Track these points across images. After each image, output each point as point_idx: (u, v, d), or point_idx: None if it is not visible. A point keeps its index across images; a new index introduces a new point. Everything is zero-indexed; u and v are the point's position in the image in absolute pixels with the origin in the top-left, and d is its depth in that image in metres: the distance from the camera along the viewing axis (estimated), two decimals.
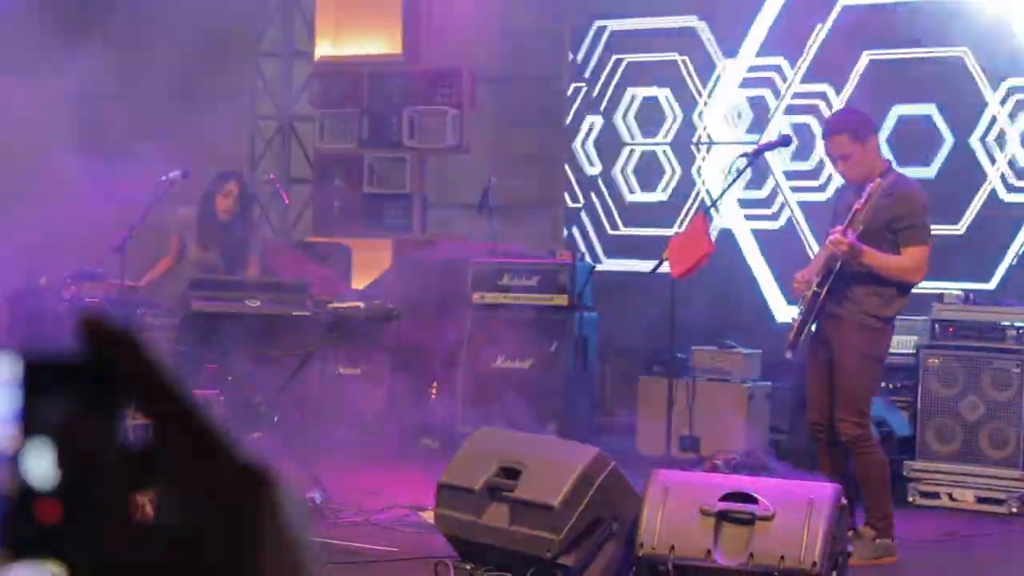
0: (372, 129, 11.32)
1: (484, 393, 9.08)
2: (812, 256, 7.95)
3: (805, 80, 10.01)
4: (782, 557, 5.08)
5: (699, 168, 10.52)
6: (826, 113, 9.42)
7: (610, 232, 10.85)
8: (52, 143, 8.38)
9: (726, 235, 10.23)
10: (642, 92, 10.71)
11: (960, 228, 9.37)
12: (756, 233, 10.22)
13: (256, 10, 11.87)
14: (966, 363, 7.79)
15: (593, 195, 10.91)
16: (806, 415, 6.69)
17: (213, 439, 0.73)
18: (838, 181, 7.24)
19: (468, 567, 5.64)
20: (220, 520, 0.71)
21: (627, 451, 8.46)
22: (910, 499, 7.77)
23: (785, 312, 9.62)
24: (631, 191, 10.79)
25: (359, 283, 10.48)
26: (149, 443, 0.71)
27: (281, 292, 8.58)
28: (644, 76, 10.70)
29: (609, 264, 10.64)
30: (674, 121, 10.61)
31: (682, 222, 10.12)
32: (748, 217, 10.26)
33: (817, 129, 9.45)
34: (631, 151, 10.79)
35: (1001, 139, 9.32)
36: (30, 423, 0.68)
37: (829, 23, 9.87)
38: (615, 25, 10.76)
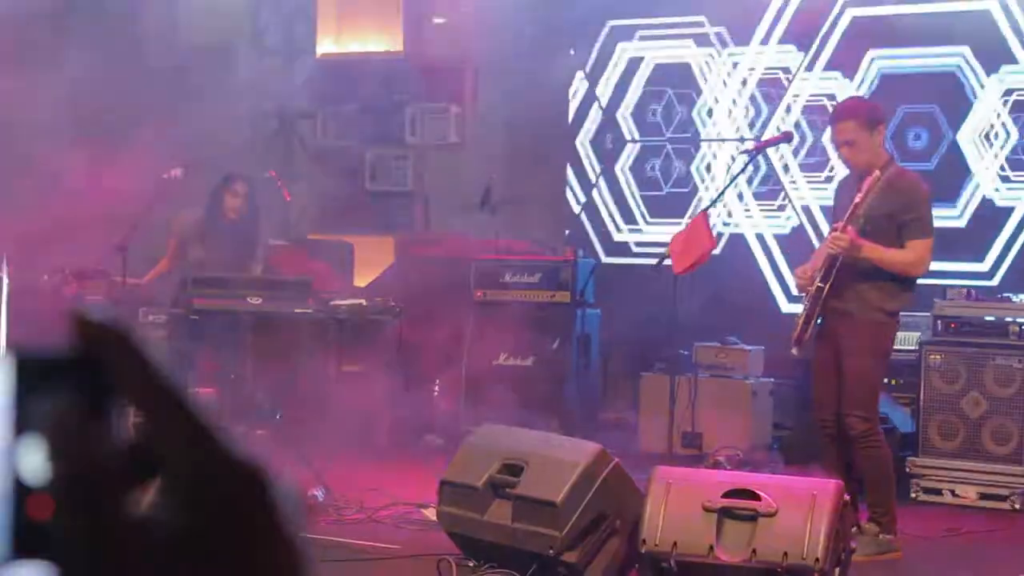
0: (374, 126, 11.32)
1: (486, 390, 9.08)
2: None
3: (811, 78, 10.00)
4: (785, 554, 5.08)
5: (702, 165, 10.51)
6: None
7: (612, 229, 10.84)
8: (49, 137, 8.37)
9: (730, 231, 10.22)
10: (646, 89, 10.70)
11: (958, 215, 9.37)
12: (760, 228, 10.21)
13: (258, 6, 11.86)
14: (968, 359, 7.78)
15: (595, 192, 10.90)
16: (812, 411, 6.68)
17: (207, 436, 0.72)
18: (841, 175, 7.22)
19: (471, 564, 5.64)
20: (214, 518, 0.71)
21: (629, 448, 8.46)
22: (913, 495, 7.76)
23: (789, 307, 9.61)
24: (634, 188, 10.78)
25: (361, 280, 10.48)
26: (142, 440, 0.70)
27: (283, 290, 8.57)
28: (648, 72, 10.69)
29: (611, 261, 10.63)
30: (678, 118, 10.60)
31: (684, 219, 10.11)
32: (753, 212, 10.25)
33: (822, 126, 9.46)
34: (634, 148, 10.78)
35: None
36: (22, 419, 0.68)
37: (837, 22, 9.86)
38: (618, 22, 10.75)
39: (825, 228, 9.67)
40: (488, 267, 9.60)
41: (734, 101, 10.35)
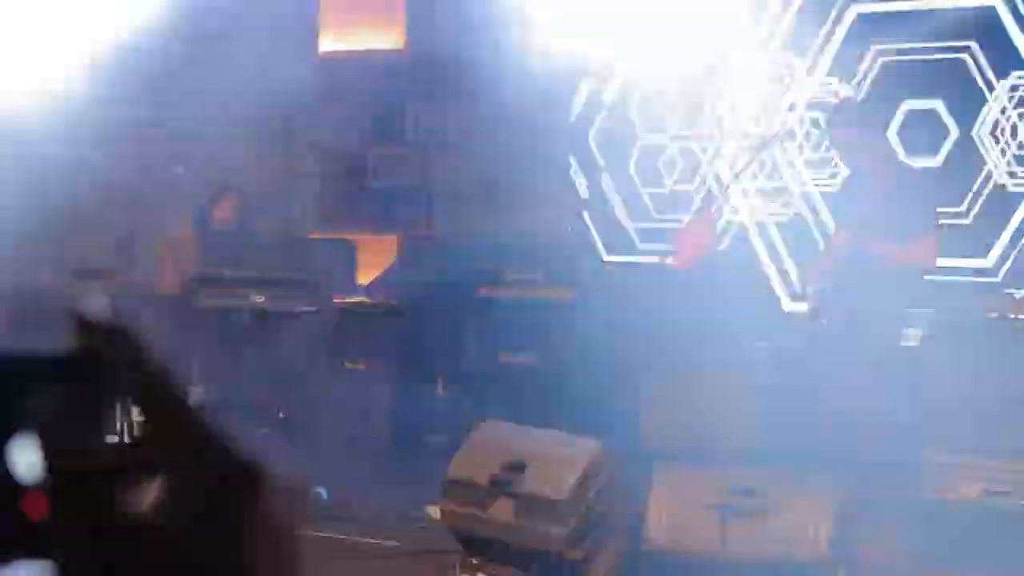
0: (377, 124, 11.31)
1: (490, 388, 9.08)
2: (821, 247, 7.96)
3: (815, 75, 9.98)
4: (789, 550, 5.07)
5: (706, 162, 10.50)
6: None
7: (616, 226, 10.83)
8: (49, 134, 8.36)
9: (733, 227, 10.21)
10: (650, 85, 10.69)
11: (964, 211, 9.36)
12: (764, 223, 10.20)
13: (260, 3, 11.85)
14: (974, 355, 7.76)
15: (600, 188, 10.89)
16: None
17: (206, 435, 0.72)
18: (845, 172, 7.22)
19: (474, 561, 5.63)
20: (213, 516, 0.71)
21: (633, 445, 8.46)
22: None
23: (792, 304, 9.60)
24: (638, 184, 10.76)
25: (364, 278, 10.48)
26: (140, 439, 0.70)
27: (286, 288, 8.57)
28: (652, 69, 10.67)
29: (615, 257, 10.62)
30: (682, 114, 10.58)
31: (688, 216, 10.10)
32: (756, 207, 10.23)
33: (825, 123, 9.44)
34: (638, 144, 10.77)
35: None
36: (18, 418, 0.68)
37: (840, 21, 9.85)
38: (621, 17, 10.73)
39: (827, 218, 9.66)
40: (491, 264, 9.59)
41: (742, 99, 10.33)
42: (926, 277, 6.58)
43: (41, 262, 8.54)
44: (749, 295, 9.69)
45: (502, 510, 5.55)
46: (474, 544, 5.71)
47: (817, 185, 9.93)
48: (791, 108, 10.09)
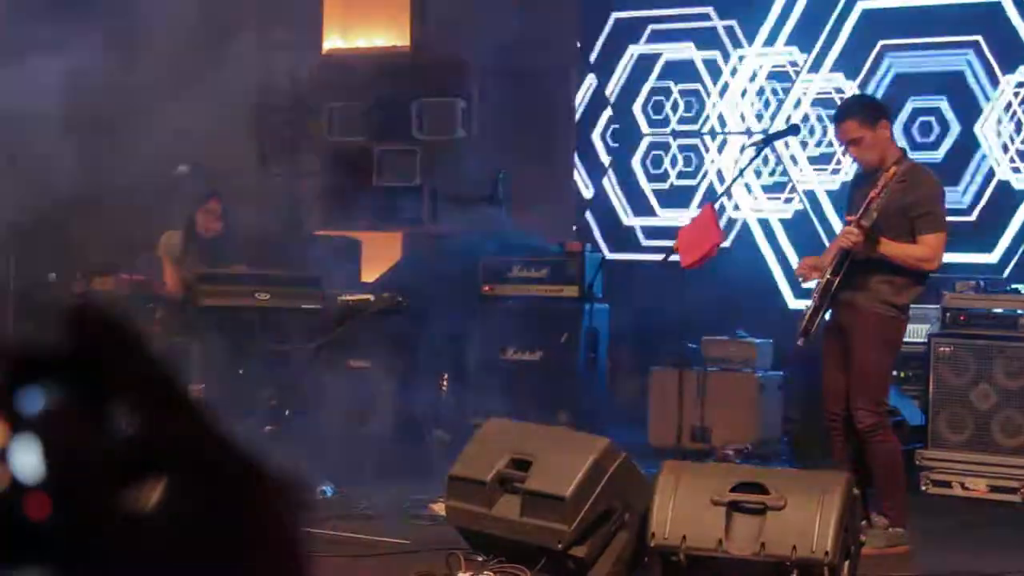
0: (381, 121, 11.31)
1: (494, 385, 9.07)
2: (826, 243, 7.95)
3: (819, 71, 9.97)
4: (794, 547, 5.07)
5: (709, 158, 10.49)
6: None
7: (620, 223, 10.83)
8: (50, 133, 8.35)
9: (738, 223, 10.20)
10: (653, 82, 10.69)
11: (966, 207, 9.35)
12: (768, 220, 10.19)
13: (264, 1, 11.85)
14: (978, 351, 7.76)
15: (603, 186, 10.89)
16: (822, 404, 6.67)
17: (208, 434, 0.71)
18: (850, 167, 7.22)
19: (479, 558, 5.63)
20: (215, 515, 0.70)
21: (638, 442, 8.46)
22: (923, 488, 7.74)
23: (796, 300, 9.60)
24: (641, 181, 10.76)
25: (369, 276, 10.48)
26: (140, 437, 0.69)
27: (291, 286, 8.56)
28: (655, 66, 10.67)
29: (619, 256, 10.61)
30: (685, 111, 10.58)
31: (692, 212, 10.10)
32: (760, 204, 10.23)
33: (830, 118, 9.43)
34: (641, 141, 10.77)
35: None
36: (18, 417, 0.67)
37: (846, 15, 9.84)
38: (626, 15, 10.73)
39: (831, 214, 9.66)
40: (496, 262, 9.60)
41: (744, 95, 10.32)
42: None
43: (43, 260, 8.55)
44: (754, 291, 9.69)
45: (508, 507, 5.55)
46: (480, 541, 5.71)
47: (821, 181, 9.92)
48: (796, 104, 10.07)
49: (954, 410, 7.79)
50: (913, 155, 7.21)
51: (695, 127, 10.55)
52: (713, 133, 10.49)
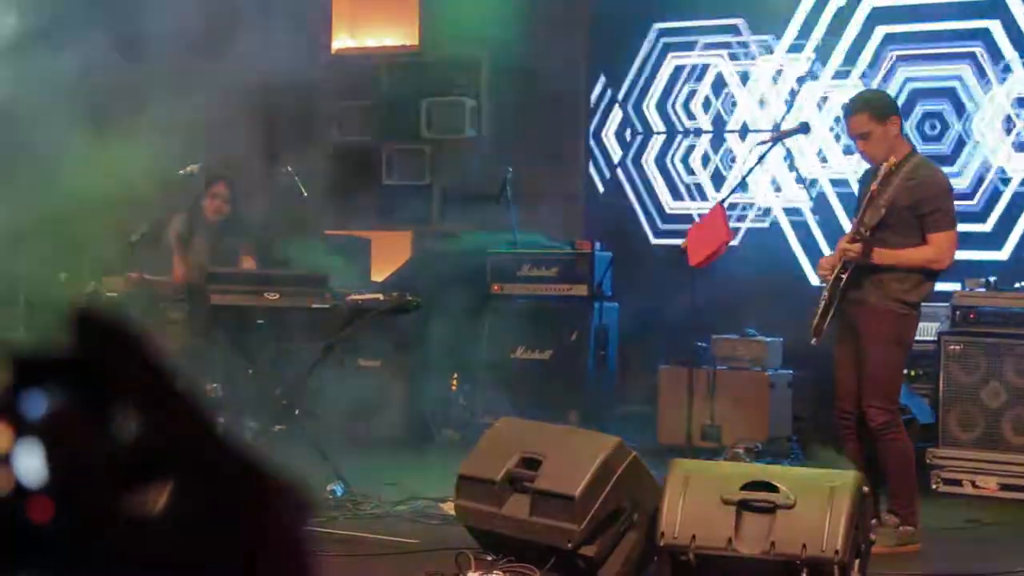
0: (390, 121, 11.31)
1: (504, 384, 9.08)
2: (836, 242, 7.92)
3: (833, 74, 9.96)
4: (804, 546, 5.06)
5: (719, 157, 10.48)
6: None
7: (629, 222, 10.81)
8: (54, 132, 8.35)
9: (747, 223, 10.19)
10: (660, 81, 10.67)
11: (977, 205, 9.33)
12: (779, 218, 10.18)
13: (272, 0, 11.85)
14: (988, 350, 7.74)
15: (613, 185, 10.88)
16: (833, 402, 6.66)
17: (212, 436, 0.71)
18: (860, 165, 7.20)
19: (489, 558, 5.63)
20: (218, 516, 0.70)
21: (648, 441, 8.46)
22: (933, 486, 7.73)
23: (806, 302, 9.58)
24: (650, 181, 10.75)
25: (378, 275, 10.48)
26: (145, 440, 0.69)
27: (300, 285, 8.56)
28: (661, 64, 10.66)
29: (629, 254, 10.60)
30: (693, 110, 10.57)
31: (703, 211, 10.09)
32: (769, 199, 10.21)
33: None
34: (649, 140, 10.76)
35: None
36: (21, 420, 0.67)
37: (857, 17, 9.82)
38: (631, 13, 10.72)
39: (838, 210, 9.64)
40: (505, 261, 9.60)
41: (758, 94, 10.31)
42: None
43: (49, 259, 8.55)
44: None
45: (517, 506, 5.55)
46: (489, 541, 5.70)
47: (832, 177, 9.91)
48: (809, 100, 10.06)
49: (964, 408, 7.78)
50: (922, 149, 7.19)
51: (705, 126, 10.53)
52: (721, 132, 10.47)
